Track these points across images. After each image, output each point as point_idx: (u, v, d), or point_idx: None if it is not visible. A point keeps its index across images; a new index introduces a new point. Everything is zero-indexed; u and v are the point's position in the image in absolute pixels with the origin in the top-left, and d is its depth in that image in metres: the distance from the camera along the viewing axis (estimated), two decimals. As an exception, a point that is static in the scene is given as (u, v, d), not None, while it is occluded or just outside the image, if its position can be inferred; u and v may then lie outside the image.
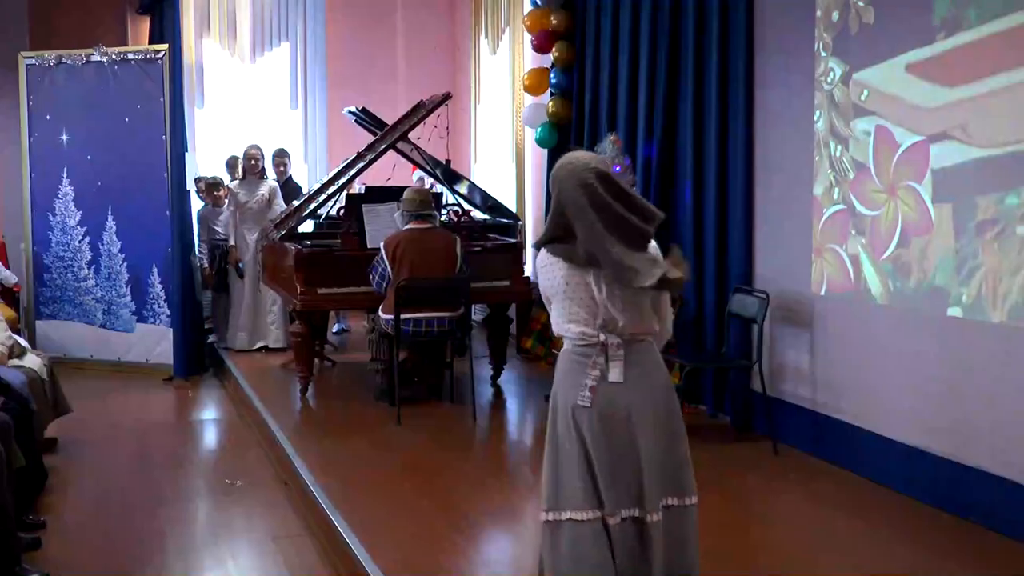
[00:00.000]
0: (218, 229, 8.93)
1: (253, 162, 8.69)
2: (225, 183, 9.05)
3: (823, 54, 5.47)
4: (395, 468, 5.43)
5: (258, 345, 8.75)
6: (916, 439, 4.87)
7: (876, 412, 5.15)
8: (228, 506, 5.16)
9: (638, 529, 2.89)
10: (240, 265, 8.70)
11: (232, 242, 8.70)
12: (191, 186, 8.90)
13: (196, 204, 9.20)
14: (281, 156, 9.32)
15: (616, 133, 7.01)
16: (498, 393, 7.28)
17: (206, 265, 8.90)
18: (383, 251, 6.39)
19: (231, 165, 9.36)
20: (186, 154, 8.53)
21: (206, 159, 10.41)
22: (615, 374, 2.93)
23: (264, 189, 8.69)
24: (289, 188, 9.02)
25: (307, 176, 11.02)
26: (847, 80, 5.29)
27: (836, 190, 5.39)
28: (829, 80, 5.42)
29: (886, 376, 5.08)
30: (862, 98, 5.20)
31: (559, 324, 3.01)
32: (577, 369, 2.96)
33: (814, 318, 5.60)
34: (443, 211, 7.48)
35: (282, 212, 7.90)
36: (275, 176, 9.18)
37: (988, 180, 4.43)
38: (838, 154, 5.37)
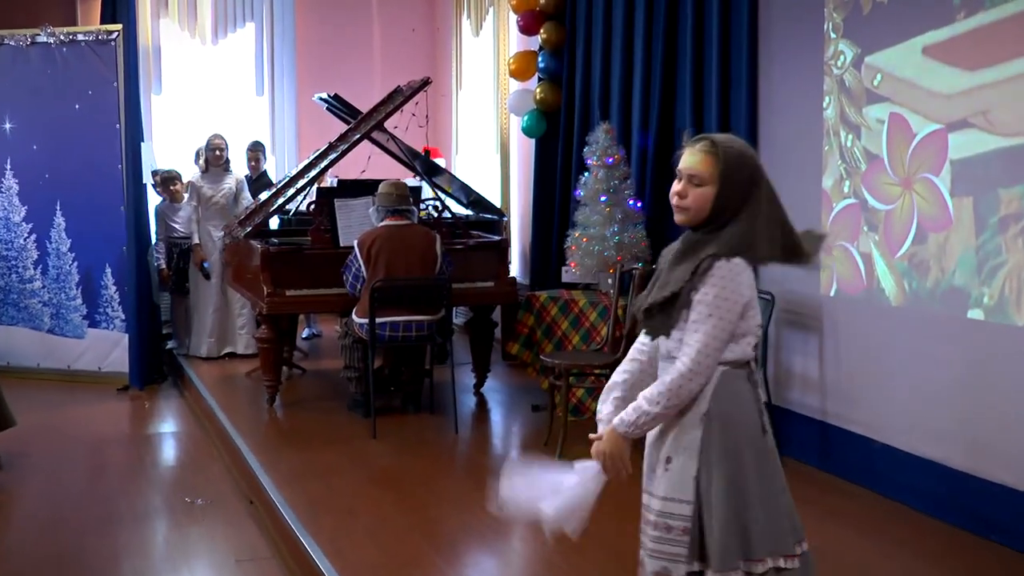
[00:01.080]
0: (177, 226, 8.88)
1: (217, 152, 8.66)
2: (183, 176, 9.01)
3: (833, 36, 5.47)
4: (370, 484, 5.42)
5: (225, 351, 8.72)
6: (934, 452, 4.87)
7: (890, 423, 5.16)
8: (188, 526, 5.12)
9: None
10: (205, 265, 8.67)
11: (196, 240, 8.67)
12: (148, 179, 8.85)
13: (154, 199, 9.15)
14: (255, 149, 9.31)
15: (609, 122, 7.01)
16: (482, 403, 7.28)
17: (163, 265, 8.85)
18: (356, 249, 6.38)
19: (201, 156, 9.33)
20: (142, 144, 8.49)
21: (164, 149, 10.37)
22: (763, 393, 2.84)
23: (230, 182, 8.66)
24: (262, 184, 8.98)
25: (275, 168, 10.97)
26: (859, 64, 5.29)
27: (847, 183, 5.39)
28: (839, 64, 5.42)
29: (901, 384, 5.08)
30: (875, 83, 5.20)
31: (731, 343, 2.69)
32: (748, 389, 2.72)
33: (823, 321, 5.61)
34: (422, 206, 7.47)
35: (247, 207, 7.88)
36: (248, 171, 9.16)
37: (1012, 171, 4.43)
38: (849, 144, 5.37)
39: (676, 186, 2.70)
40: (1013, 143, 4.43)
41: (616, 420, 2.71)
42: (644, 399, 2.67)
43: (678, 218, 2.71)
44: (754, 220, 2.67)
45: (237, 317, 8.74)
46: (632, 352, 2.89)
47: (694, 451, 2.67)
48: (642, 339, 2.87)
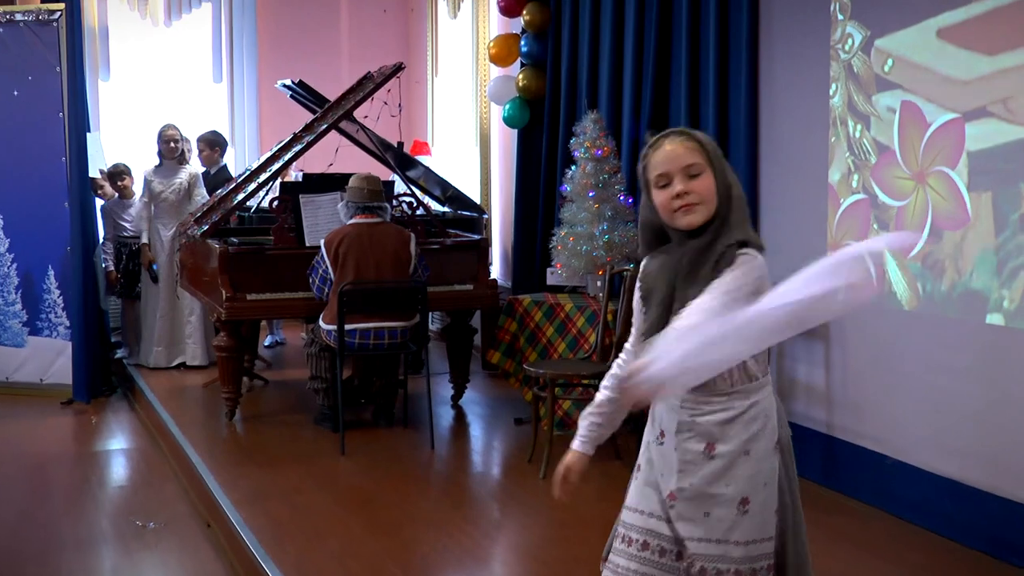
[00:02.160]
0: (126, 224, 8.87)
1: (172, 144, 8.63)
2: (132, 171, 8.98)
3: (840, 17, 5.48)
4: (338, 505, 5.40)
5: (176, 362, 8.68)
6: (950, 469, 4.87)
7: (903, 437, 5.16)
8: (139, 552, 5.09)
9: None
10: (154, 267, 8.63)
11: (145, 239, 8.63)
12: (95, 173, 8.81)
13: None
14: (205, 140, 9.22)
15: (598, 110, 7.01)
16: (460, 416, 7.27)
17: (111, 267, 8.82)
18: (323, 250, 6.37)
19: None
20: (88, 135, 8.44)
21: (113, 141, 10.31)
22: None
23: (183, 176, 8.63)
24: (220, 179, 8.94)
25: (234, 161, 10.93)
26: (868, 48, 5.30)
27: (855, 177, 5.40)
28: (847, 48, 5.43)
29: (914, 395, 5.08)
30: (886, 69, 5.21)
31: (763, 354, 2.71)
32: (777, 402, 2.78)
33: (830, 327, 5.61)
34: (395, 202, 7.45)
35: (204, 204, 7.84)
36: (202, 164, 9.12)
37: (1033, 164, 4.45)
38: (858, 134, 5.38)
39: (673, 188, 2.63)
40: (1035, 133, 4.44)
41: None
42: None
43: (690, 220, 2.63)
44: (739, 206, 2.67)
45: (185, 324, 8.70)
46: (617, 367, 2.85)
47: (774, 484, 2.68)
48: (627, 352, 2.83)
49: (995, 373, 4.68)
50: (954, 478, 4.84)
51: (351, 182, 6.58)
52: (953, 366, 4.87)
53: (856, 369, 5.47)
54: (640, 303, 2.78)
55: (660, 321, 2.63)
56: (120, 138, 10.40)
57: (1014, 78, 4.53)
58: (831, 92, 5.54)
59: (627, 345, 2.85)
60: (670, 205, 2.62)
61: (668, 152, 2.65)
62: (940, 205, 4.90)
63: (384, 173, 8.32)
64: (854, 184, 5.41)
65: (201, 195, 8.57)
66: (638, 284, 2.79)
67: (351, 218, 6.48)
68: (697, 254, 2.63)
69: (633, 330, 2.83)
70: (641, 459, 2.80)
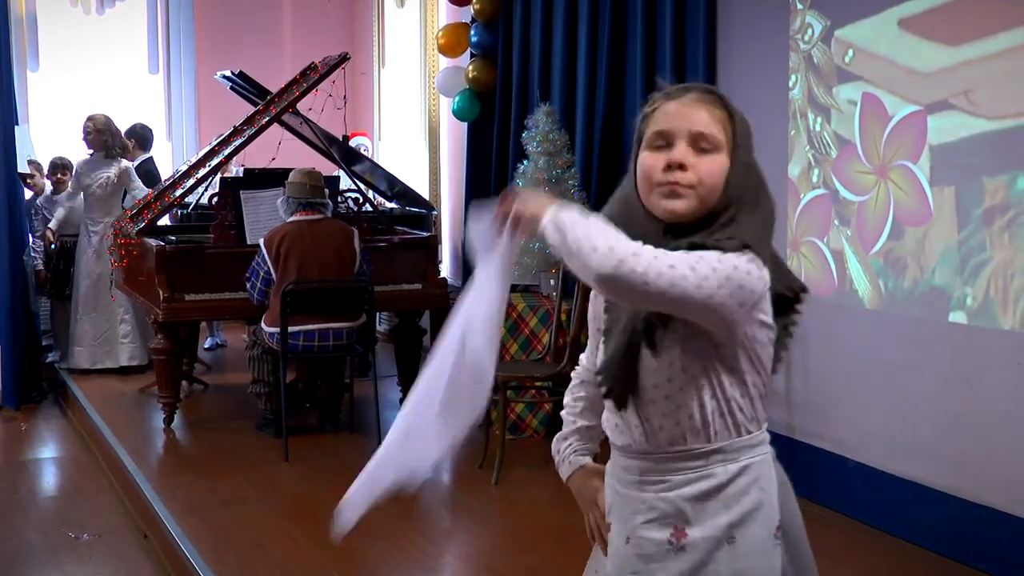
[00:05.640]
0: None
1: (86, 136, 8.57)
2: (72, 167, 8.93)
3: (799, 6, 5.51)
4: (281, 514, 5.39)
5: (102, 365, 8.58)
6: (914, 471, 4.91)
7: (865, 439, 5.20)
8: (72, 565, 5.03)
9: None
10: (52, 245, 8.71)
11: (53, 226, 8.71)
12: (24, 168, 8.71)
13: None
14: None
15: (551, 103, 7.02)
16: (409, 421, 7.23)
17: (41, 266, 8.74)
18: (263, 249, 6.34)
19: (141, 136, 9.25)
20: (16, 128, 8.34)
21: (43, 134, 10.20)
22: None
23: (111, 171, 8.54)
24: (139, 175, 8.87)
25: (171, 156, 10.86)
26: (828, 38, 5.33)
27: (815, 171, 5.43)
28: (806, 38, 5.46)
29: (877, 396, 5.12)
30: (846, 60, 5.25)
31: (758, 401, 2.16)
32: (779, 470, 2.22)
33: (791, 326, 5.63)
34: (340, 198, 7.43)
35: (140, 200, 7.77)
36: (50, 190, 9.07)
37: (997, 158, 4.49)
38: (818, 128, 5.41)
39: (671, 153, 2.00)
40: (999, 126, 4.48)
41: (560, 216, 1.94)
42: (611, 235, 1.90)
43: (673, 205, 2.01)
44: (761, 218, 2.08)
45: (119, 324, 8.62)
46: (580, 374, 2.37)
47: None
48: (581, 370, 2.37)
49: (958, 372, 4.72)
50: (916, 480, 4.88)
51: (291, 177, 6.55)
52: (916, 365, 4.91)
53: (817, 369, 5.50)
54: (602, 317, 2.19)
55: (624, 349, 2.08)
56: (50, 131, 10.29)
57: (977, 70, 4.57)
58: (791, 84, 5.57)
59: (583, 360, 2.37)
60: (654, 175, 2.00)
61: (682, 107, 2.03)
62: (902, 200, 4.94)
63: (329, 168, 8.30)
64: (814, 179, 5.44)
65: (139, 188, 8.50)
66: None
67: (292, 215, 6.45)
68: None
69: (589, 344, 2.31)
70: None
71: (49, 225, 8.80)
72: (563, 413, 2.34)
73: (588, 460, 2.30)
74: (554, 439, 2.33)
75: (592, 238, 1.87)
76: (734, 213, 2.01)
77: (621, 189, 2.15)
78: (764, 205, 2.07)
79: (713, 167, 2.00)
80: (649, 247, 1.89)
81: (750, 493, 2.06)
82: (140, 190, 8.47)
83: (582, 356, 2.37)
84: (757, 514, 2.06)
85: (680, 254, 1.90)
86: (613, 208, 2.12)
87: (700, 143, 2.00)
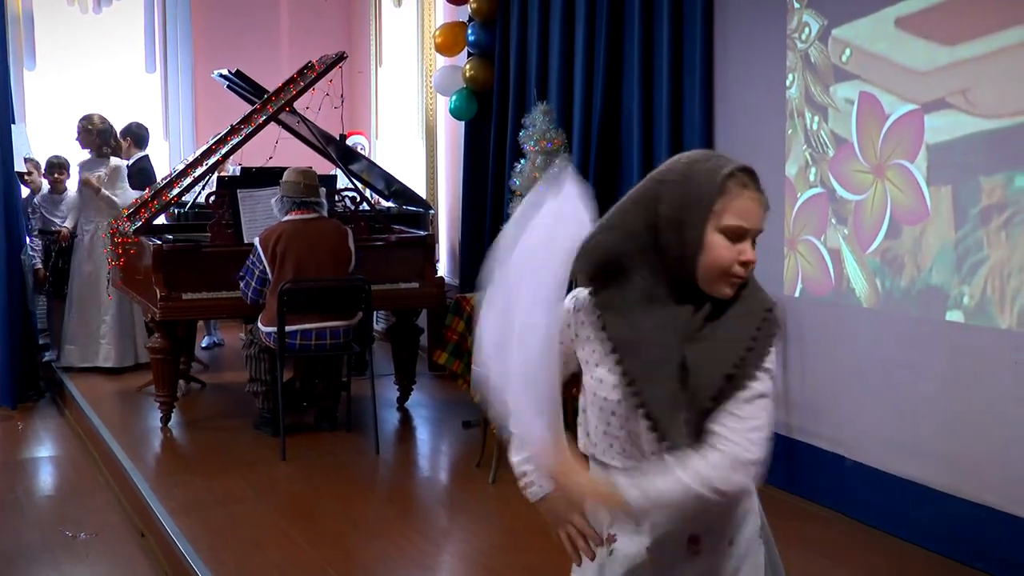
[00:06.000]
0: (57, 220, 8.81)
1: (79, 135, 8.56)
2: (69, 166, 8.92)
3: (796, 5, 5.51)
4: (278, 513, 5.38)
5: (90, 363, 8.58)
6: (911, 471, 4.92)
7: (862, 438, 5.20)
8: (69, 564, 5.03)
9: None
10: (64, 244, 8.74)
11: (68, 224, 8.74)
12: (20, 167, 8.70)
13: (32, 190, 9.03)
14: (54, 168, 9.12)
15: (548, 102, 7.01)
16: (406, 419, 7.26)
17: (39, 264, 8.73)
18: (259, 248, 6.33)
19: (136, 134, 9.23)
20: (13, 127, 8.33)
21: (40, 133, 10.19)
22: None
23: (102, 170, 8.55)
24: (132, 173, 8.87)
25: (168, 155, 10.85)
26: (825, 37, 5.33)
27: (813, 170, 5.44)
28: (804, 37, 5.47)
29: (874, 395, 5.12)
30: (843, 59, 5.25)
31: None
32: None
33: (787, 325, 5.63)
34: (337, 197, 7.42)
35: (138, 199, 7.77)
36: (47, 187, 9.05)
37: (994, 157, 4.49)
38: (815, 127, 5.41)
39: (746, 252, 2.14)
40: (995, 125, 4.49)
41: (628, 485, 2.09)
42: (683, 472, 2.05)
43: (729, 293, 2.16)
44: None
45: (101, 323, 8.61)
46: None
47: None
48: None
49: (955, 371, 4.72)
50: (914, 480, 4.89)
51: (286, 176, 6.54)
52: (913, 364, 4.91)
53: (814, 368, 5.50)
54: (616, 366, 2.16)
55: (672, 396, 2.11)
56: (47, 130, 10.27)
57: (973, 69, 4.58)
58: (788, 83, 5.57)
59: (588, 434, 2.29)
60: (731, 268, 2.12)
61: (754, 204, 2.16)
62: (899, 199, 4.94)
63: (326, 167, 8.29)
64: (811, 177, 5.44)
65: (122, 188, 8.49)
66: (605, 334, 2.19)
67: (286, 214, 6.44)
68: (722, 316, 2.15)
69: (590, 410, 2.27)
70: None
71: (64, 224, 8.77)
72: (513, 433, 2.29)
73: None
74: (516, 462, 2.31)
75: (667, 494, 2.05)
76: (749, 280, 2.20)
77: (619, 232, 2.19)
78: None
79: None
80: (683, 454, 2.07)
81: (742, 501, 2.22)
82: (124, 191, 8.47)
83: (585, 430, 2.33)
84: (748, 517, 2.25)
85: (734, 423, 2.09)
86: (600, 259, 2.19)
87: (756, 237, 2.17)
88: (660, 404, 2.10)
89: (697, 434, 2.10)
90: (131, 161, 8.99)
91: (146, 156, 9.27)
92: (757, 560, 2.26)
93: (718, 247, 2.11)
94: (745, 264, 2.12)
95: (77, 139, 8.62)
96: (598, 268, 2.19)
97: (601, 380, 2.20)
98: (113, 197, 8.44)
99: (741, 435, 2.08)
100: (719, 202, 2.11)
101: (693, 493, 2.03)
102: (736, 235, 2.12)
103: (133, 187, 8.58)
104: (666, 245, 2.13)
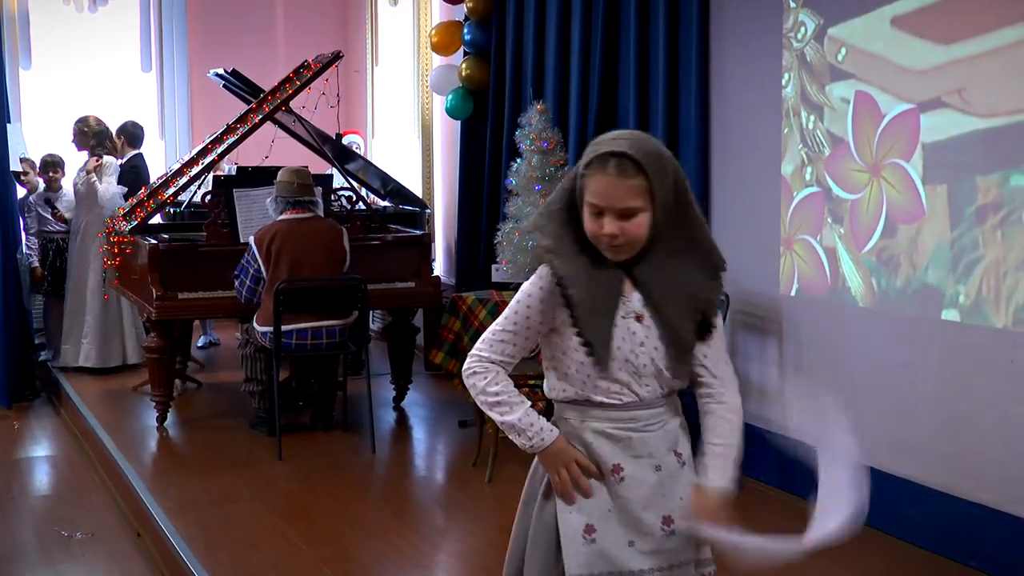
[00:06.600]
0: (53, 220, 8.77)
1: (74, 136, 8.54)
2: (64, 165, 8.91)
3: (792, 4, 5.51)
4: (274, 513, 5.38)
5: (112, 363, 8.59)
6: (907, 470, 4.92)
7: (858, 437, 5.18)
8: (65, 564, 5.02)
9: None
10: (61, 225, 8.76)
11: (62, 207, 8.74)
12: (16, 166, 8.69)
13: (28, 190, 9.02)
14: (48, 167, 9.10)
15: (544, 101, 7.00)
16: (402, 419, 7.25)
17: (36, 263, 8.72)
18: (253, 247, 6.33)
19: (131, 133, 9.22)
20: (9, 126, 8.32)
21: (35, 132, 10.17)
22: None
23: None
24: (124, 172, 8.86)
25: (163, 154, 10.83)
26: (821, 36, 5.34)
27: (808, 169, 5.44)
28: (799, 36, 5.47)
29: (869, 393, 5.12)
30: (839, 58, 5.25)
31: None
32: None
33: (783, 324, 5.64)
34: (333, 197, 7.42)
35: (135, 199, 7.76)
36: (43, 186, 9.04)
37: (990, 156, 4.49)
38: (811, 126, 5.41)
39: (606, 225, 2.48)
40: (991, 124, 4.49)
41: (722, 477, 2.73)
42: (732, 438, 2.81)
43: (618, 257, 2.53)
44: (695, 216, 2.60)
45: (85, 323, 8.60)
46: (498, 367, 2.66)
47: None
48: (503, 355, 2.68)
49: (951, 370, 4.73)
50: (911, 478, 4.89)
51: (280, 175, 6.54)
52: (909, 363, 4.92)
53: (810, 367, 5.50)
54: (565, 311, 2.57)
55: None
56: (43, 129, 10.25)
57: (969, 68, 4.58)
58: (784, 82, 5.57)
59: (494, 354, 2.67)
60: (599, 238, 2.51)
61: (607, 185, 2.47)
62: (895, 198, 4.95)
63: (322, 166, 8.29)
64: (807, 177, 5.44)
65: (110, 184, 8.49)
66: (559, 285, 2.56)
67: (281, 213, 6.44)
68: (654, 267, 2.58)
69: (505, 338, 2.65)
70: (587, 520, 2.60)
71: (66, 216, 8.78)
72: (507, 397, 2.64)
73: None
74: (518, 415, 2.62)
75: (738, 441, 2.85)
76: (672, 234, 2.55)
77: (561, 199, 2.59)
78: (696, 217, 2.59)
79: (637, 227, 2.49)
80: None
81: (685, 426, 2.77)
82: (111, 187, 8.46)
83: (485, 351, 2.66)
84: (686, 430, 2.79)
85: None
86: (558, 221, 2.58)
87: (626, 213, 2.47)
88: (597, 335, 2.53)
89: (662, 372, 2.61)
90: (124, 160, 8.98)
91: (139, 155, 9.25)
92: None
93: (587, 220, 2.52)
94: (607, 237, 2.48)
95: (73, 141, 8.62)
96: (549, 246, 2.57)
97: (573, 338, 2.59)
98: (98, 185, 8.43)
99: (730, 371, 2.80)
100: (583, 182, 2.51)
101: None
102: (596, 211, 2.49)
103: (125, 186, 8.57)
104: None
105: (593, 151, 2.51)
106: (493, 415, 2.65)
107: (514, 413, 2.62)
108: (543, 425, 2.62)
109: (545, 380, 2.72)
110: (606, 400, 2.60)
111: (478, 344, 2.68)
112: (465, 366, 2.68)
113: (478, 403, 2.68)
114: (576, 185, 2.54)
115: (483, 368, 2.65)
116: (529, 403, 2.66)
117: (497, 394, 2.63)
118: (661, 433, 2.66)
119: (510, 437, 2.64)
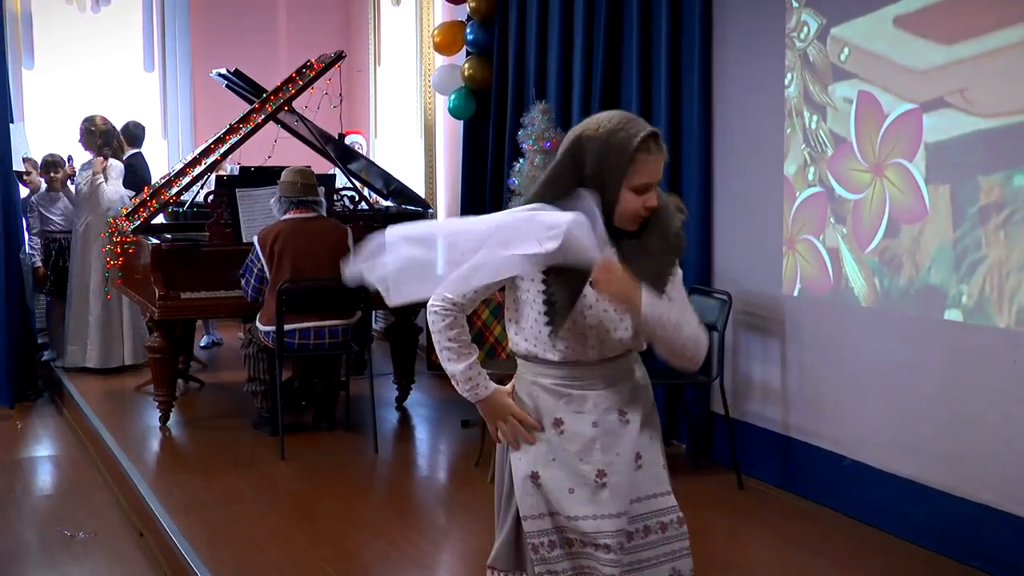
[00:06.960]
0: (55, 219, 8.80)
1: (81, 137, 8.55)
2: (66, 165, 8.91)
3: (795, 4, 5.51)
4: (277, 512, 5.37)
5: (112, 364, 8.59)
6: (909, 469, 4.92)
7: (860, 437, 5.20)
8: (67, 564, 5.02)
9: None
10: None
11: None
12: (19, 166, 8.70)
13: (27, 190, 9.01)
14: (50, 167, 9.09)
15: (546, 101, 7.01)
16: (405, 419, 7.25)
17: (39, 263, 8.73)
18: (257, 247, 6.33)
19: (131, 133, 9.23)
20: (12, 126, 8.32)
21: (38, 132, 10.19)
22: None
23: (96, 168, 8.55)
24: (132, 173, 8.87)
25: (167, 154, 10.84)
26: (824, 36, 5.33)
27: (811, 169, 5.43)
28: (802, 36, 5.46)
29: (872, 393, 5.12)
30: (842, 58, 5.25)
31: None
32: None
33: (785, 324, 5.64)
34: (336, 196, 7.42)
35: (137, 198, 7.76)
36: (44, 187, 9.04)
37: (992, 156, 4.49)
38: (813, 126, 5.41)
39: (649, 201, 2.71)
40: (994, 124, 4.49)
41: (649, 298, 2.71)
42: (696, 324, 2.79)
43: (636, 227, 2.75)
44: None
45: (87, 324, 8.60)
46: (452, 312, 2.80)
47: (658, 436, 2.92)
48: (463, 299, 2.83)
49: (954, 370, 4.72)
50: (913, 479, 4.89)
51: (283, 176, 6.54)
52: (911, 363, 4.91)
53: (812, 367, 5.50)
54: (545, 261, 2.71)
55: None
56: (46, 129, 10.27)
57: (972, 68, 4.57)
58: (786, 82, 5.57)
59: (451, 302, 2.80)
60: (638, 212, 2.71)
61: (655, 163, 2.71)
62: (897, 198, 4.94)
63: (325, 166, 8.29)
64: (810, 176, 5.44)
65: (116, 185, 8.49)
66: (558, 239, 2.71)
67: (284, 213, 6.44)
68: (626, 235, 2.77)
69: (468, 288, 2.78)
70: (533, 467, 2.83)
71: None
72: (454, 346, 2.81)
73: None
74: (463, 365, 2.81)
75: (682, 327, 2.75)
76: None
77: (566, 173, 2.73)
78: None
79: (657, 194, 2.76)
80: (690, 311, 2.81)
81: (647, 383, 2.93)
82: (118, 189, 8.46)
83: (448, 295, 2.78)
84: (648, 392, 2.93)
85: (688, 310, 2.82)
86: (561, 188, 2.72)
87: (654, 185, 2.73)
88: (564, 299, 2.72)
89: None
90: (123, 158, 9.00)
91: (139, 154, 9.27)
92: (656, 422, 2.92)
93: (629, 200, 2.71)
94: (649, 208, 2.72)
95: (80, 141, 8.61)
96: (555, 193, 2.72)
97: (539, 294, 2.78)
98: (105, 186, 8.43)
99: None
100: (630, 169, 2.68)
101: (693, 339, 2.76)
102: (644, 189, 2.70)
103: (124, 185, 8.58)
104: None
105: (625, 133, 2.68)
106: (441, 358, 2.83)
107: (460, 363, 2.81)
108: (483, 380, 2.84)
109: (508, 333, 2.92)
110: (552, 357, 2.80)
111: (445, 283, 2.79)
112: (430, 303, 2.81)
113: (433, 340, 2.83)
114: (592, 171, 2.70)
115: (444, 310, 2.79)
116: (476, 356, 2.84)
117: (451, 340, 2.80)
118: (606, 392, 2.82)
119: (453, 385, 2.84)
